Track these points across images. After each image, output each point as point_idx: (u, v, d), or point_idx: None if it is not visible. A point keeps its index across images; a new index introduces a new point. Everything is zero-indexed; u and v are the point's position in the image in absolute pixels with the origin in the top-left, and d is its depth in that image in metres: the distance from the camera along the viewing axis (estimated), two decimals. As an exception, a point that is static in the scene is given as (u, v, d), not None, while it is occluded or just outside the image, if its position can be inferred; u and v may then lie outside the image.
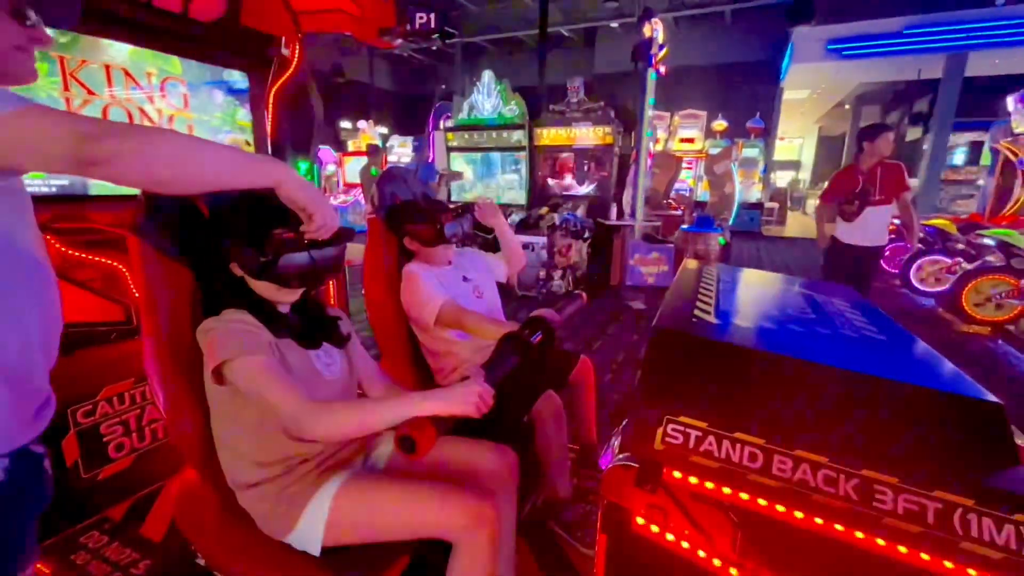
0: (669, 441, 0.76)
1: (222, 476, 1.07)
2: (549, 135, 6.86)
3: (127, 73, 1.78)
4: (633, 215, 5.74)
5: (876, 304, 1.30)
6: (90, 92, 1.69)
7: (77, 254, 1.57)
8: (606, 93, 7.94)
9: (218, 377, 0.93)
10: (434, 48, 14.12)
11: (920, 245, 5.99)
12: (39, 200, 1.62)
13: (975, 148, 11.16)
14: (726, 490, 0.71)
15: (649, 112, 5.52)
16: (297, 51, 2.18)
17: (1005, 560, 0.60)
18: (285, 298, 1.05)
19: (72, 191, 1.71)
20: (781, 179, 17.55)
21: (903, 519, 0.65)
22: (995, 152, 6.17)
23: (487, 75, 7.01)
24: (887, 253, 6.79)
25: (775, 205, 13.08)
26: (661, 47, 5.32)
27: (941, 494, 0.66)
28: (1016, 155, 5.64)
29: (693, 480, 0.72)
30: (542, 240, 5.41)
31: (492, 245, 6.22)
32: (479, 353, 1.67)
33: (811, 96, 13.87)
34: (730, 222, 9.62)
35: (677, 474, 0.73)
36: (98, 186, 1.77)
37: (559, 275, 5.46)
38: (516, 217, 5.94)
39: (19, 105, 0.66)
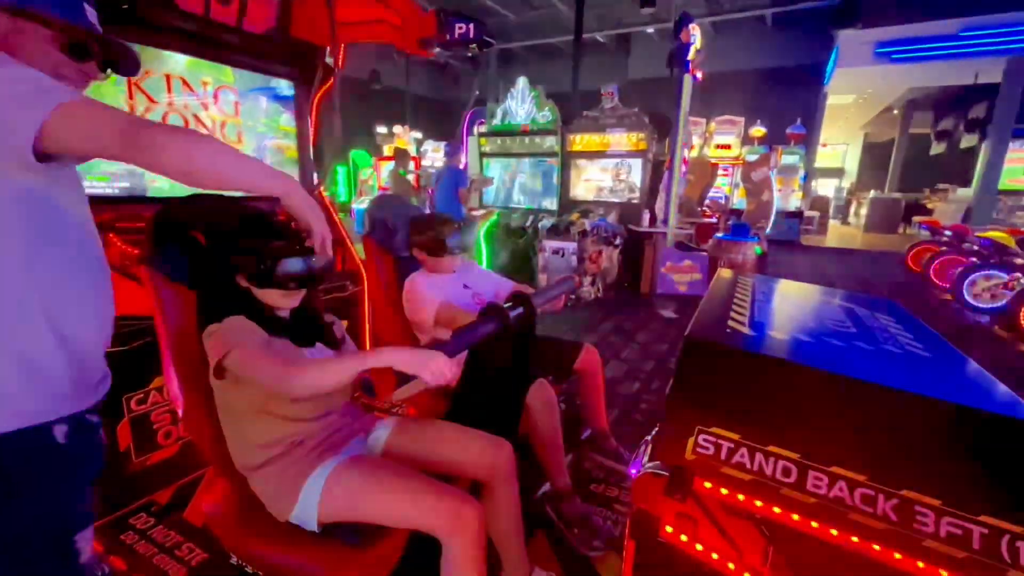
0: (700, 451, 0.76)
1: (233, 466, 1.18)
2: (582, 141, 6.84)
3: (185, 82, 1.90)
4: (666, 222, 5.66)
5: (924, 320, 1.25)
6: (152, 100, 1.81)
7: (135, 252, 1.67)
8: (640, 99, 7.87)
9: (218, 372, 1.06)
10: (470, 55, 14.33)
11: (974, 259, 5.68)
12: (105, 200, 1.76)
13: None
14: (758, 503, 0.70)
15: (684, 118, 5.44)
16: (340, 60, 2.27)
17: (1058, 592, 0.58)
18: (287, 303, 1.17)
19: (133, 193, 1.83)
20: (823, 187, 16.91)
21: (946, 543, 0.63)
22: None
23: (521, 81, 7.05)
24: (936, 267, 6.46)
25: (816, 214, 12.62)
26: (698, 52, 5.24)
27: (987, 519, 0.63)
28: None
29: (724, 491, 0.72)
30: (572, 246, 5.39)
31: (521, 254, 6.20)
32: None
33: (856, 101, 13.30)
34: (767, 231, 9.34)
35: (708, 484, 0.73)
36: (155, 188, 1.88)
37: (589, 281, 5.43)
38: (547, 223, 5.94)
39: (76, 96, 0.74)
